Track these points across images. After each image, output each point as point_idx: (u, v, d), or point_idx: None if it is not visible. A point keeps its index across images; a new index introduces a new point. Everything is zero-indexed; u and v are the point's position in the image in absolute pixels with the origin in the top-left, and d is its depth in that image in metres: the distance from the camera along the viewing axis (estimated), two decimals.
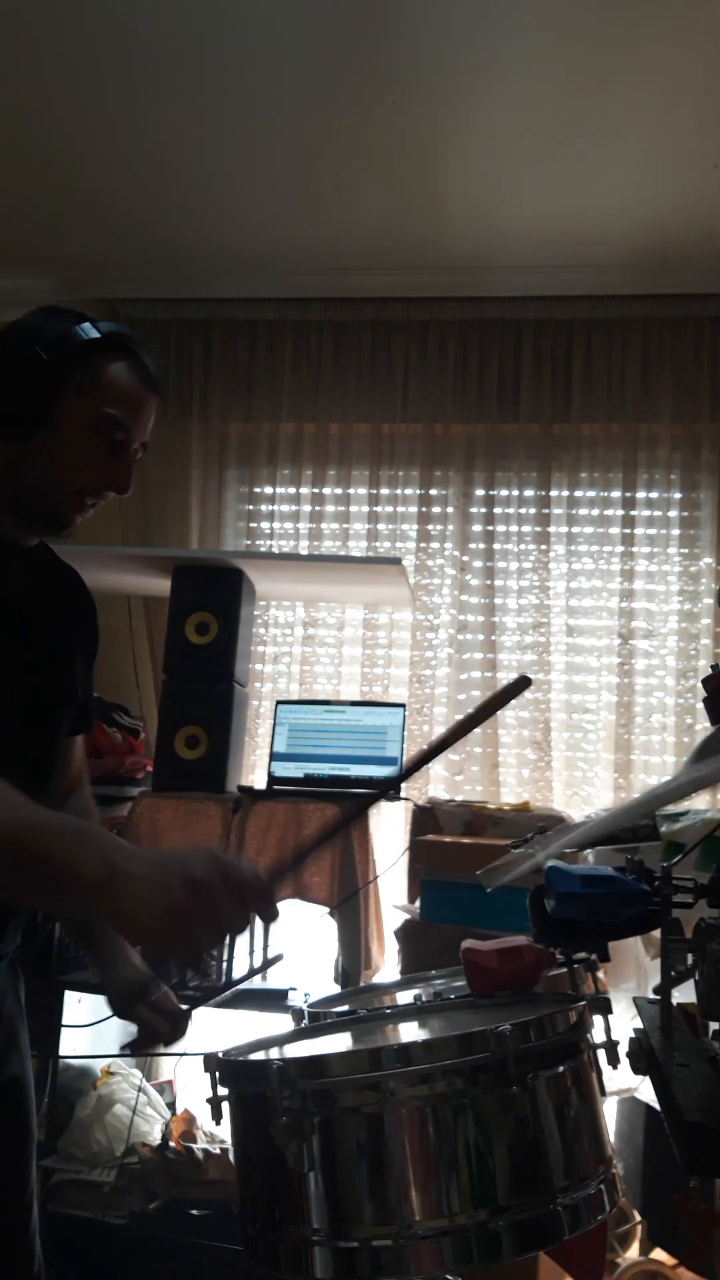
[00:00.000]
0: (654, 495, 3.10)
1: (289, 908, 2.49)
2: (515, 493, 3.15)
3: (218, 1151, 2.33)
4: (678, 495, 3.10)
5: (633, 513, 3.09)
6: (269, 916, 0.93)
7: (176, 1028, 1.22)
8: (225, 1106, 0.97)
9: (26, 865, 0.88)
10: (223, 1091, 0.97)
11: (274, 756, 2.68)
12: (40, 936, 2.40)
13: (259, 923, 2.43)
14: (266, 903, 0.91)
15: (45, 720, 1.29)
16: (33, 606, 1.26)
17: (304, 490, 3.25)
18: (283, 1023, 1.24)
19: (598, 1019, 1.04)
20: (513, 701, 1.54)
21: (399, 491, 3.21)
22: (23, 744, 1.24)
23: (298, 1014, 1.25)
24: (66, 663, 1.32)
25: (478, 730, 3.06)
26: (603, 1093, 1.01)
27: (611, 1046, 1.03)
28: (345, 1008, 1.31)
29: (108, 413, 1.19)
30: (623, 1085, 2.03)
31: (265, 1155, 0.91)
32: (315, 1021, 1.23)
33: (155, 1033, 1.20)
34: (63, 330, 1.17)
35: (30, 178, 2.86)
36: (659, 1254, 2.15)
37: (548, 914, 1.07)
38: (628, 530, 3.09)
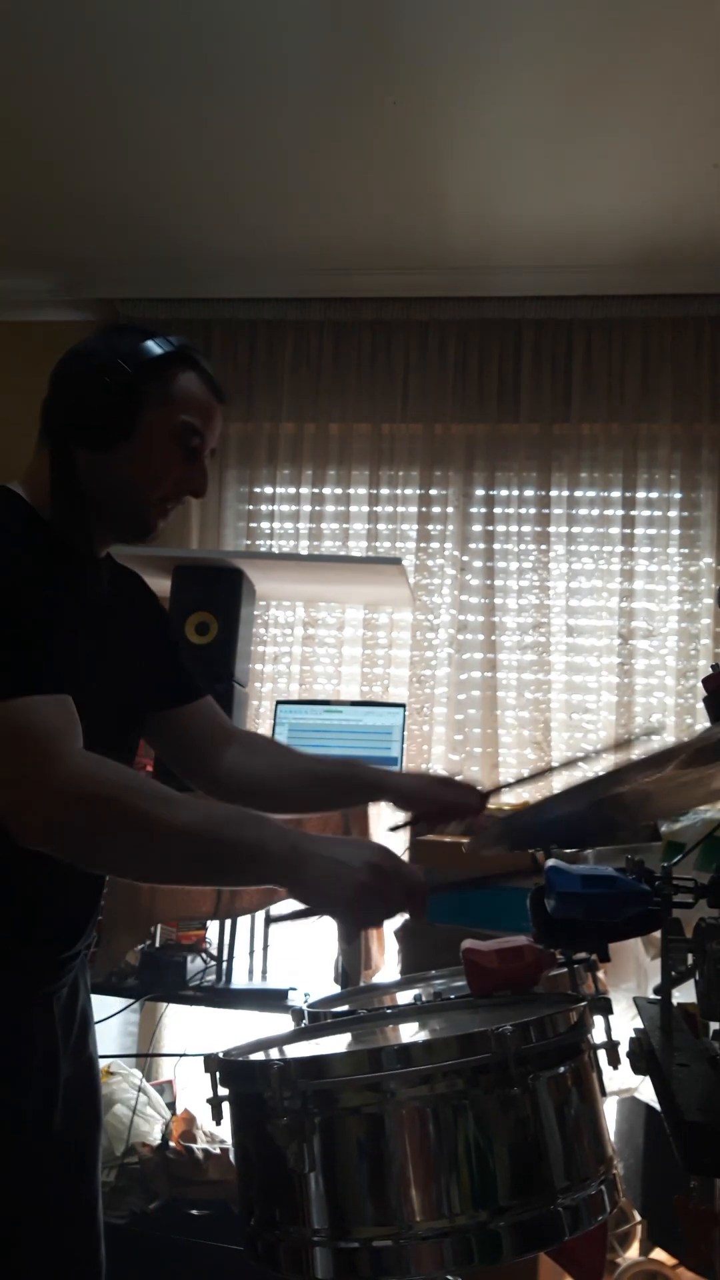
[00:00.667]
0: (654, 495, 3.10)
1: (288, 908, 2.49)
2: (515, 493, 3.15)
3: (218, 1151, 2.33)
4: (678, 495, 3.10)
5: (633, 513, 3.09)
6: (420, 915, 1.08)
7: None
8: (225, 1106, 0.97)
9: (221, 853, 1.06)
10: (223, 1091, 0.97)
11: None
12: None
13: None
14: (423, 903, 1.08)
15: (129, 717, 1.36)
16: (111, 614, 1.33)
17: (304, 490, 3.25)
18: (283, 1023, 1.24)
19: (598, 1019, 1.04)
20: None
21: (399, 491, 3.21)
22: (111, 737, 1.27)
23: (298, 1014, 1.25)
24: (146, 659, 1.39)
25: (477, 730, 3.07)
26: (603, 1093, 1.01)
27: (612, 1047, 1.03)
28: (345, 1008, 1.31)
29: (184, 420, 1.27)
30: (623, 1085, 2.03)
31: (265, 1155, 0.91)
32: (315, 1021, 1.23)
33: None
34: (137, 345, 1.25)
35: (30, 178, 2.86)
36: (659, 1254, 2.15)
37: (548, 914, 1.07)
38: (628, 530, 3.09)
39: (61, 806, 1.05)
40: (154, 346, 1.26)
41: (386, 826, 1.57)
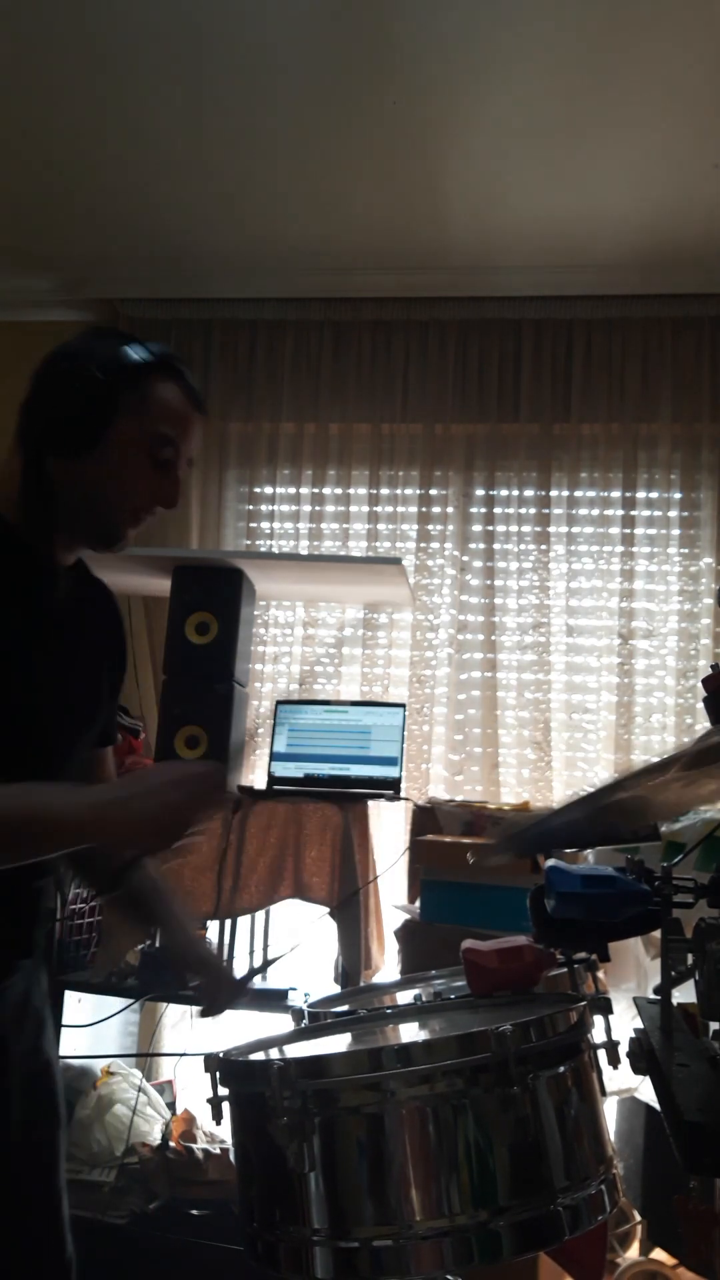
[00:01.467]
0: (654, 495, 3.10)
1: (289, 907, 2.49)
2: (515, 493, 3.15)
3: (218, 1151, 2.33)
4: (678, 495, 3.10)
5: (633, 513, 3.09)
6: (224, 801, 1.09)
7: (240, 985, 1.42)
8: (225, 1106, 0.97)
9: (21, 824, 1.04)
10: (223, 1091, 0.97)
11: (274, 756, 2.68)
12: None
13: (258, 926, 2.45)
14: (223, 792, 1.11)
15: (71, 734, 1.33)
16: (69, 623, 1.30)
17: (304, 490, 3.25)
18: (283, 1023, 1.24)
19: (598, 1019, 1.04)
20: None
21: (399, 491, 3.20)
22: (50, 755, 1.28)
23: (298, 1014, 1.25)
24: (96, 678, 1.37)
25: (477, 730, 3.07)
26: (603, 1093, 1.01)
27: (612, 1046, 1.03)
28: (345, 1008, 1.31)
29: (159, 431, 1.24)
30: (623, 1085, 2.03)
31: (266, 1155, 0.91)
32: (315, 1021, 1.23)
33: (221, 989, 1.41)
34: (115, 352, 1.23)
35: (30, 178, 2.86)
36: (659, 1254, 2.15)
37: (548, 914, 1.07)
38: (628, 530, 3.08)
39: None
40: (131, 353, 1.24)
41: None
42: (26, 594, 1.23)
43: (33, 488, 1.21)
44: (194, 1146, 2.35)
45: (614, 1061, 1.02)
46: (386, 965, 2.44)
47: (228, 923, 2.48)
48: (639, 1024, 1.07)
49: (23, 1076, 1.29)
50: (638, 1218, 2.23)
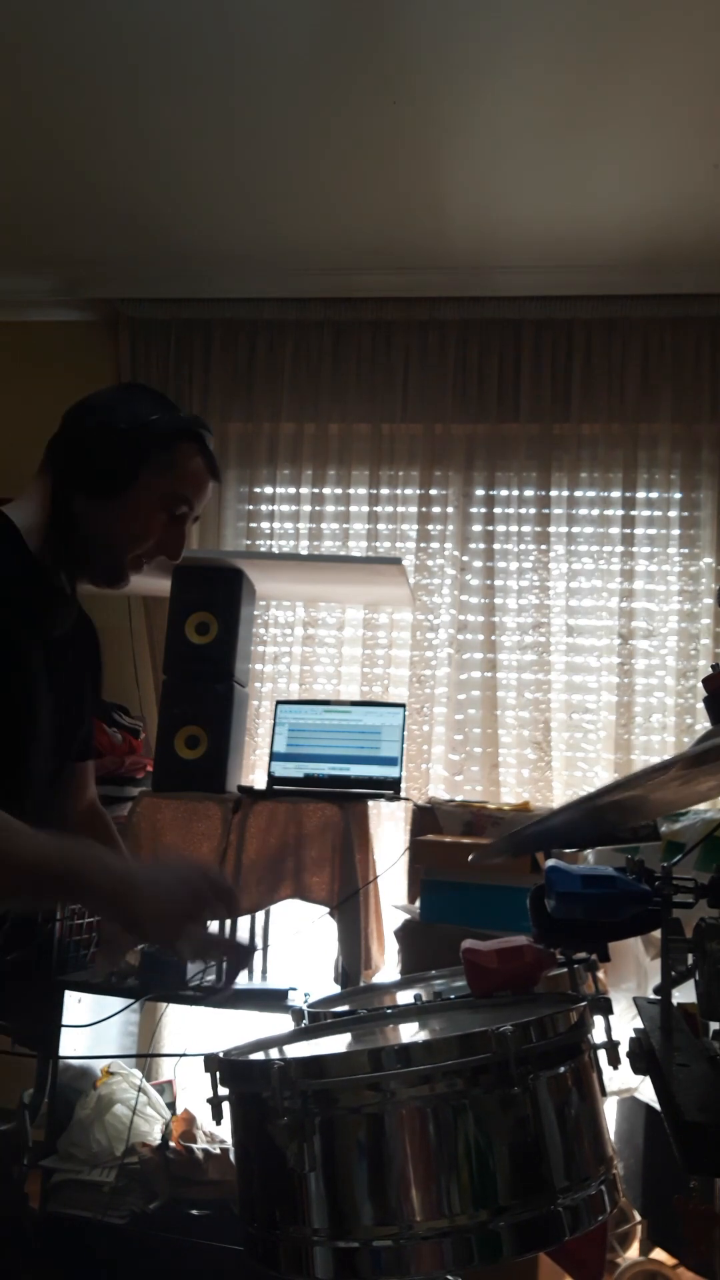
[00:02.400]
0: (654, 495, 3.10)
1: (289, 907, 2.49)
2: (515, 493, 3.15)
3: (218, 1151, 2.33)
4: (678, 495, 3.10)
5: (633, 513, 3.09)
6: (233, 911, 1.21)
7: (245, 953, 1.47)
8: (225, 1106, 0.97)
9: (52, 887, 1.14)
10: (223, 1091, 0.97)
11: (274, 756, 2.68)
12: (40, 937, 2.40)
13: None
14: (232, 903, 1.19)
15: (62, 754, 1.42)
16: (68, 651, 1.40)
17: (304, 490, 3.25)
18: (283, 1023, 1.24)
19: (598, 1019, 1.04)
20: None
21: (399, 491, 3.21)
22: (47, 776, 1.37)
23: (298, 1014, 1.25)
24: (81, 699, 1.46)
25: (477, 730, 3.07)
26: (603, 1093, 1.01)
27: (612, 1047, 1.03)
28: (345, 1008, 1.31)
29: (179, 491, 1.36)
30: (623, 1085, 2.03)
31: (266, 1155, 0.91)
32: (315, 1021, 1.23)
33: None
34: (152, 414, 1.34)
35: (31, 177, 2.86)
36: (659, 1254, 2.15)
37: (548, 914, 1.07)
38: (628, 530, 3.09)
39: None
40: (165, 422, 1.34)
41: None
42: (43, 623, 1.32)
43: (60, 523, 1.31)
44: (194, 1146, 2.35)
45: (614, 1061, 1.02)
46: (386, 965, 2.44)
47: (228, 923, 2.48)
48: (639, 1024, 1.07)
49: None
50: (638, 1218, 2.23)
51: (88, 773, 1.59)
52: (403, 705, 2.75)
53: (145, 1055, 2.72)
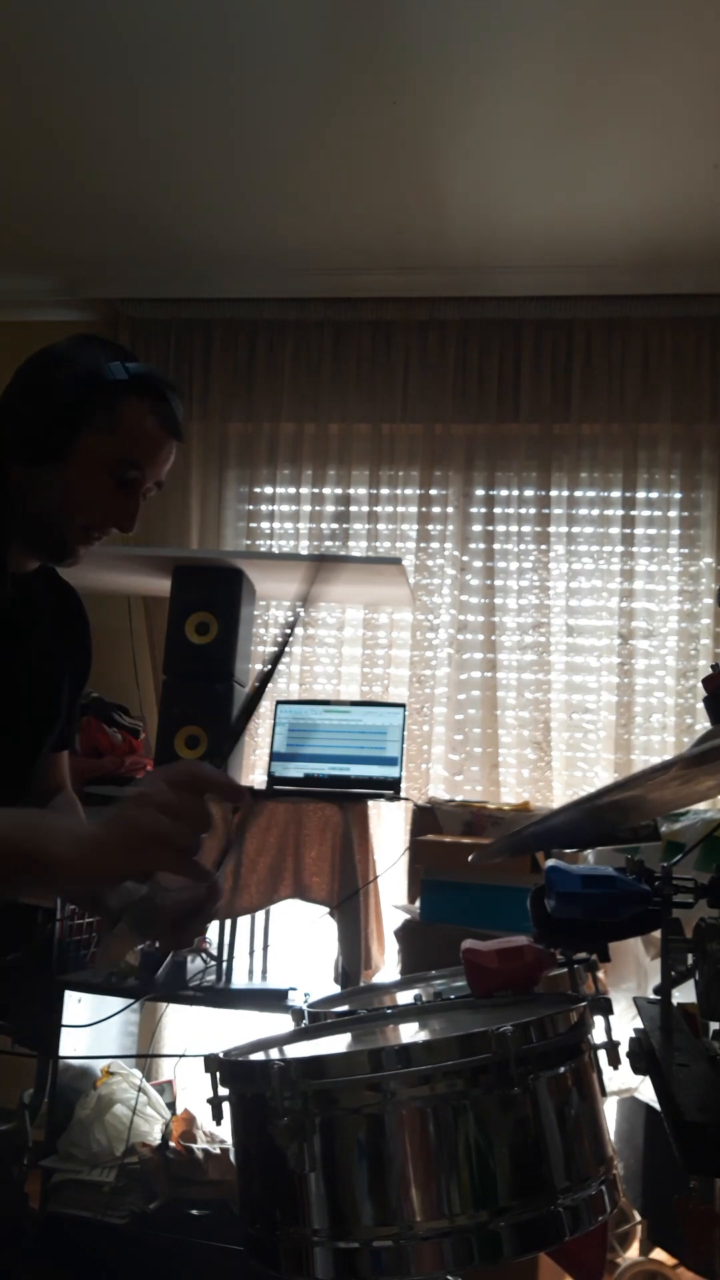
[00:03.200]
0: (654, 495, 3.10)
1: (289, 908, 2.49)
2: (515, 493, 3.15)
3: (218, 1151, 2.33)
4: (678, 495, 3.10)
5: (633, 513, 3.09)
6: (230, 788, 0.99)
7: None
8: (225, 1106, 0.97)
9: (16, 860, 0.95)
10: (223, 1091, 0.97)
11: (274, 756, 2.68)
12: (40, 937, 2.40)
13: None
14: (211, 777, 0.97)
15: (25, 736, 1.31)
16: (23, 627, 1.27)
17: (304, 490, 3.25)
18: (283, 1023, 1.24)
19: (598, 1019, 1.04)
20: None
21: (399, 491, 3.21)
22: (18, 753, 1.26)
23: (298, 1014, 1.25)
24: (53, 683, 1.34)
25: (477, 730, 3.07)
26: (603, 1093, 1.01)
27: (612, 1047, 1.03)
28: (345, 1008, 1.31)
29: (124, 453, 1.21)
30: (623, 1085, 2.03)
31: (266, 1155, 0.91)
32: (315, 1021, 1.23)
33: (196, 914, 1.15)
34: (93, 366, 1.19)
35: (31, 177, 2.86)
36: (659, 1254, 2.15)
37: (548, 914, 1.07)
38: (628, 530, 3.09)
39: None
40: (110, 370, 1.19)
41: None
42: None
43: None
44: (194, 1146, 2.35)
45: (614, 1062, 1.02)
46: (386, 965, 2.44)
47: (227, 923, 2.48)
48: (639, 1024, 1.07)
49: None
50: (638, 1218, 2.23)
51: (62, 764, 1.44)
52: (403, 705, 2.75)
53: (145, 1055, 2.73)
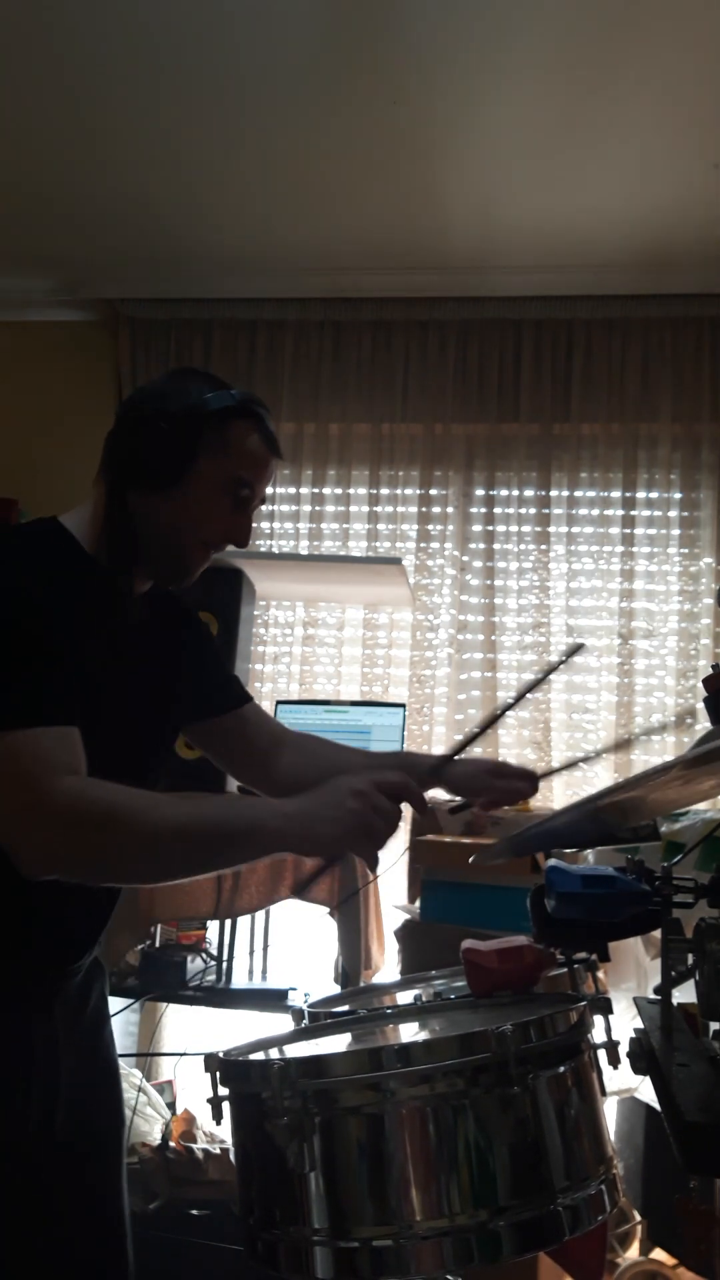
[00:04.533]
0: (654, 495, 3.10)
1: (289, 908, 2.49)
2: (515, 493, 3.15)
3: (218, 1151, 2.33)
4: (678, 495, 3.10)
5: (633, 513, 3.09)
6: (421, 806, 1.17)
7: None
8: (225, 1106, 0.97)
9: (220, 839, 1.12)
10: (223, 1091, 0.97)
11: None
12: None
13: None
14: (415, 795, 1.15)
15: (142, 749, 1.37)
16: (143, 646, 1.34)
17: (304, 490, 3.25)
18: (283, 1023, 1.24)
19: (598, 1019, 1.04)
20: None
21: (399, 491, 3.21)
22: (139, 764, 1.33)
23: (298, 1014, 1.25)
24: (167, 691, 1.41)
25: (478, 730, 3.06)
26: (603, 1093, 1.01)
27: (612, 1046, 1.03)
28: (345, 1008, 1.31)
29: (237, 474, 1.30)
30: (623, 1085, 2.03)
31: (266, 1155, 0.91)
32: (315, 1021, 1.23)
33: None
34: (200, 395, 1.28)
35: (30, 178, 2.86)
36: (659, 1254, 2.15)
37: (548, 914, 1.07)
38: (628, 530, 3.09)
39: (59, 837, 1.09)
40: (216, 399, 1.28)
41: (446, 808, 1.64)
42: (106, 624, 1.26)
43: (112, 521, 1.26)
44: (194, 1146, 2.35)
45: (614, 1061, 1.02)
46: (386, 965, 2.44)
47: (227, 923, 2.48)
48: (639, 1024, 1.08)
49: (78, 1082, 1.28)
50: (638, 1218, 2.23)
51: (253, 716, 1.55)
52: (403, 705, 2.75)
53: (145, 1055, 2.72)
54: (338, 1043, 1.13)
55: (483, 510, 3.15)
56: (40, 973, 1.26)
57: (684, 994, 1.03)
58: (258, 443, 1.32)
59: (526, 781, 1.53)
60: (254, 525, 3.44)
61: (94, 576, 1.25)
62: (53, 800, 1.08)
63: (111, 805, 1.10)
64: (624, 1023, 1.06)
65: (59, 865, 1.10)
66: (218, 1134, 2.41)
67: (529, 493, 3.14)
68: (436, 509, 3.18)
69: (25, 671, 1.12)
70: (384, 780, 1.13)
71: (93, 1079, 1.34)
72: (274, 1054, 1.08)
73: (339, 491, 3.24)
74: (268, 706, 2.98)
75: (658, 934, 1.02)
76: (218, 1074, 0.97)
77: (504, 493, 3.15)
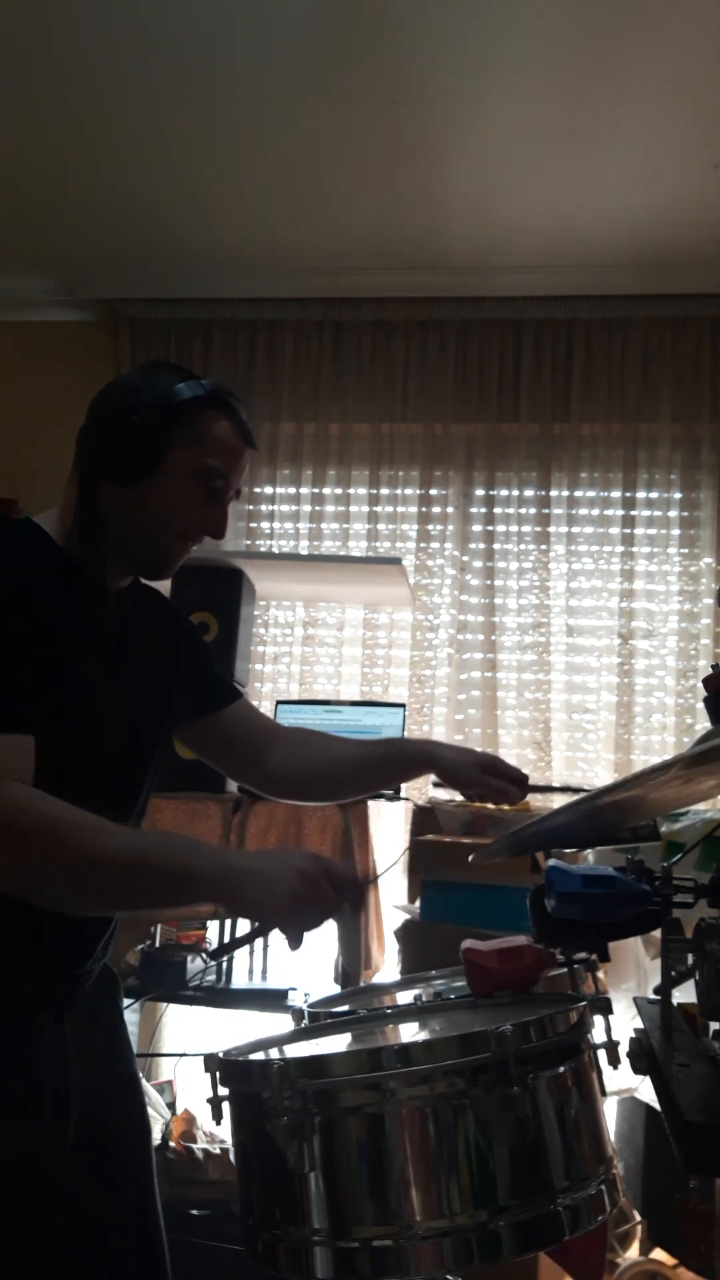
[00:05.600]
0: (654, 495, 3.10)
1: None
2: (515, 493, 3.15)
3: (218, 1151, 2.33)
4: (678, 495, 3.10)
5: (633, 513, 3.09)
6: (358, 905, 1.14)
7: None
8: (225, 1106, 0.97)
9: (155, 879, 1.07)
10: (223, 1091, 0.97)
11: None
12: None
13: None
14: (358, 896, 1.15)
15: (140, 745, 1.35)
16: (125, 643, 1.33)
17: (304, 490, 3.25)
18: (283, 1023, 1.24)
19: (598, 1019, 1.04)
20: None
21: (399, 491, 3.21)
22: (119, 765, 1.31)
23: (298, 1014, 1.25)
24: (158, 687, 1.39)
25: (477, 730, 3.06)
26: (603, 1093, 1.01)
27: (612, 1046, 1.03)
28: (345, 1008, 1.31)
29: (209, 464, 1.28)
30: (623, 1085, 2.03)
31: (265, 1155, 0.91)
32: (315, 1021, 1.23)
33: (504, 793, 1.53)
34: (170, 386, 1.26)
35: (30, 177, 2.86)
36: (659, 1254, 2.15)
37: (548, 914, 1.07)
38: (628, 530, 3.09)
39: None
40: (186, 389, 1.27)
41: (431, 781, 1.63)
42: (78, 618, 1.25)
43: (83, 516, 1.25)
44: (194, 1146, 2.35)
45: (614, 1061, 1.02)
46: (386, 965, 2.44)
47: (227, 923, 2.48)
48: (639, 1024, 1.07)
49: (96, 1091, 1.27)
50: (638, 1218, 2.23)
51: (244, 713, 1.50)
52: (403, 705, 2.75)
53: (145, 1055, 2.72)
54: (338, 1043, 1.13)
55: (483, 510, 3.15)
56: (47, 976, 1.25)
57: (684, 994, 1.03)
58: (229, 431, 1.30)
59: (516, 785, 1.54)
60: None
61: (67, 572, 1.24)
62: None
63: (53, 821, 1.06)
64: (624, 1023, 1.06)
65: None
66: (218, 1134, 2.41)
67: (529, 493, 3.14)
68: (436, 509, 3.18)
69: None
70: (334, 871, 1.08)
71: (112, 1089, 1.33)
72: (274, 1054, 1.08)
73: (339, 491, 3.25)
74: (268, 706, 2.98)
75: (658, 934, 1.02)
76: (217, 1074, 0.97)
77: (504, 493, 3.15)
